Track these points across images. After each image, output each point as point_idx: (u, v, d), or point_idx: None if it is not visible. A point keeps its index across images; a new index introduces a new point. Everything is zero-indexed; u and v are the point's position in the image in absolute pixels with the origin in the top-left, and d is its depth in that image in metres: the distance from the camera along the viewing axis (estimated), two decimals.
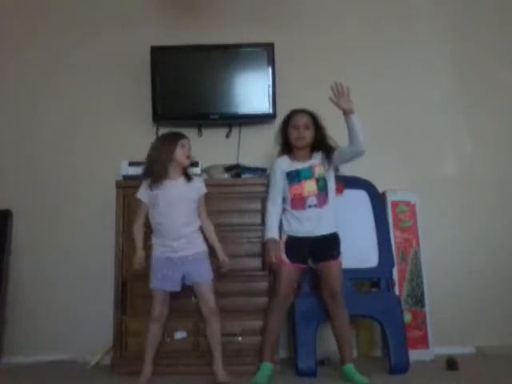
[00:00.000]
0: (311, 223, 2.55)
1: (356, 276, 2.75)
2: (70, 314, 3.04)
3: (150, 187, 2.49)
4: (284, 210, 2.63)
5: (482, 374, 2.57)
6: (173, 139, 2.53)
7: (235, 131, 3.23)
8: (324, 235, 2.57)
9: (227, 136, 3.23)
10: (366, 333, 3.00)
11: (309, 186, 2.58)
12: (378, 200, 2.90)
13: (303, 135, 2.60)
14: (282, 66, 3.16)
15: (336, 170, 2.72)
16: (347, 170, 2.91)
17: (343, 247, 2.61)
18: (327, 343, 2.91)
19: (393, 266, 2.82)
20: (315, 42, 3.32)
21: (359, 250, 2.77)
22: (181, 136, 2.55)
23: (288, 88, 3.18)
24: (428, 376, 2.57)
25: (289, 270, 2.56)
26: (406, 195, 3.01)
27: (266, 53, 3.14)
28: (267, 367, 2.50)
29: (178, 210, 2.47)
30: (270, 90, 3.13)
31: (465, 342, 3.02)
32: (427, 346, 2.86)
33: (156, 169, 2.49)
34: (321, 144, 2.64)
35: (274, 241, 2.58)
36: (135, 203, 2.74)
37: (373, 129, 3.23)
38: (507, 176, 3.26)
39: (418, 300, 2.90)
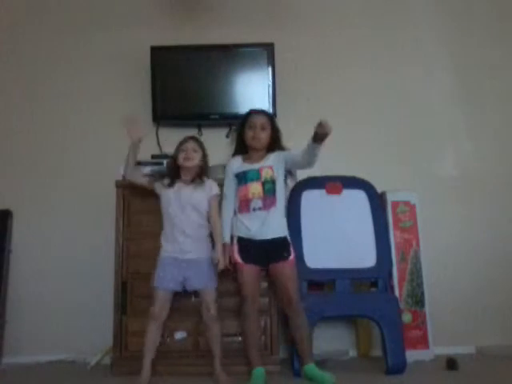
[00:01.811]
0: (256, 226, 2.51)
1: (354, 276, 2.74)
2: (69, 313, 3.03)
3: (166, 184, 2.56)
4: (234, 212, 2.60)
5: (482, 374, 2.57)
6: (178, 146, 2.59)
7: None
8: (273, 239, 2.51)
9: (227, 136, 3.22)
10: (365, 333, 3.00)
11: (253, 188, 2.54)
12: (376, 200, 2.90)
13: (258, 136, 2.58)
14: (282, 66, 3.17)
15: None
16: (346, 169, 2.93)
17: (342, 246, 2.59)
18: (326, 343, 2.93)
19: (391, 266, 2.82)
20: (315, 42, 3.32)
21: (357, 249, 2.77)
22: (184, 141, 2.59)
23: (288, 88, 3.18)
24: (428, 376, 2.57)
25: (247, 271, 2.51)
26: (405, 195, 3.00)
27: (265, 53, 3.15)
28: (260, 372, 2.44)
29: (190, 213, 2.50)
30: (270, 89, 3.13)
31: (465, 342, 3.02)
32: (427, 346, 2.86)
33: (168, 171, 2.60)
34: (275, 146, 2.63)
35: (226, 245, 2.55)
36: (135, 203, 2.75)
37: (373, 129, 3.26)
38: (507, 176, 3.25)
39: (418, 300, 2.89)
